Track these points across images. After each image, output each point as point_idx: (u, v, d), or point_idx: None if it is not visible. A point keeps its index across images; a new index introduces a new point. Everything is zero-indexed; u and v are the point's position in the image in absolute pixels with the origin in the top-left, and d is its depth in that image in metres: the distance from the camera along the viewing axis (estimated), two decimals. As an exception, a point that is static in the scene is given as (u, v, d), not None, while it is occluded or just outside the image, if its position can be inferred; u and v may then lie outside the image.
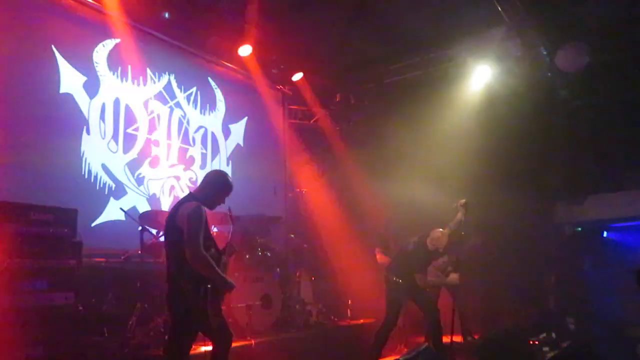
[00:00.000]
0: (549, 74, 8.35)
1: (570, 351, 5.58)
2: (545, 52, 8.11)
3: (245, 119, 8.39)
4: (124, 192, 6.45)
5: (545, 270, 8.43)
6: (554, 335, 5.73)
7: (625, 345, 7.60)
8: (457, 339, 5.62)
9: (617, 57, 7.58)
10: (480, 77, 8.40)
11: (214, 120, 7.92)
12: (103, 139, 6.31)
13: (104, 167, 6.27)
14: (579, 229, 8.80)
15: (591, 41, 7.38)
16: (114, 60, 6.52)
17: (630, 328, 7.62)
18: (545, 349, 5.41)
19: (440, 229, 5.53)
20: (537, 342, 5.48)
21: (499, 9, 7.34)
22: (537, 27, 7.76)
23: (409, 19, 7.81)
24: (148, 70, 6.95)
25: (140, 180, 6.67)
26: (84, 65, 6.18)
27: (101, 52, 6.41)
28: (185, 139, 7.40)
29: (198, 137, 7.64)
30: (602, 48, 7.34)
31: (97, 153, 6.21)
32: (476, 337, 6.65)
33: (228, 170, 7.82)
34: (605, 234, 9.19)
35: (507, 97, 8.35)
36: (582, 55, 7.31)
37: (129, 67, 6.71)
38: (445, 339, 5.42)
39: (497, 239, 7.95)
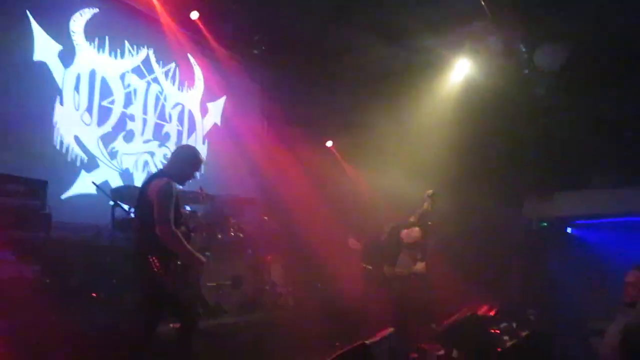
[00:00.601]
0: (527, 71, 8.50)
1: (528, 341, 5.79)
2: (524, 50, 8.24)
3: (224, 98, 8.31)
4: (96, 166, 6.35)
5: (510, 263, 8.67)
6: (514, 325, 5.90)
7: (581, 338, 7.93)
8: (423, 325, 5.76)
9: (592, 59, 7.75)
10: (459, 71, 8.49)
11: (191, 98, 7.82)
12: (77, 110, 6.18)
13: (77, 139, 6.15)
14: (545, 224, 9.06)
15: (569, 42, 7.53)
16: (91, 31, 6.36)
17: (587, 321, 7.94)
18: (505, 337, 5.57)
19: (418, 227, 5.63)
20: (497, 331, 5.63)
21: (482, 3, 7.40)
22: (518, 24, 7.86)
23: (392, 9, 7.82)
24: (126, 43, 6.81)
25: (113, 154, 6.57)
26: (60, 33, 6.02)
27: (78, 21, 6.24)
28: (162, 115, 7.30)
29: (175, 113, 7.54)
30: (579, 49, 7.49)
31: (70, 124, 6.07)
32: (440, 324, 6.81)
33: (204, 150, 7.77)
34: (569, 230, 9.50)
35: (484, 92, 8.47)
36: (560, 55, 7.45)
37: (107, 38, 6.56)
38: (411, 325, 5.55)
39: (465, 230, 8.12)
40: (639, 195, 7.88)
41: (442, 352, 4.78)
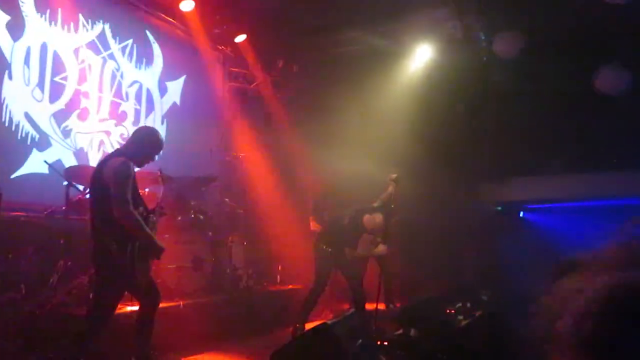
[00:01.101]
0: (485, 58, 8.69)
1: (481, 320, 6.00)
2: (483, 37, 8.41)
3: (184, 77, 8.10)
4: (49, 144, 6.09)
5: (465, 245, 8.93)
6: (468, 305, 6.10)
7: (530, 317, 8.28)
8: (381, 306, 5.88)
9: (549, 47, 7.99)
10: (421, 56, 8.59)
11: (150, 76, 7.59)
12: (27, 85, 5.89)
13: (27, 116, 5.87)
14: (499, 208, 9.36)
15: (527, 30, 7.73)
16: (43, 2, 6.04)
17: (534, 301, 8.29)
18: (460, 317, 5.75)
19: (380, 214, 5.70)
20: (453, 311, 5.81)
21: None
22: (477, 12, 8.01)
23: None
24: (80, 17, 6.51)
25: (67, 133, 6.32)
26: (8, 3, 5.67)
27: (28, -9, 5.92)
28: (118, 93, 7.05)
29: (132, 92, 7.30)
30: (537, 37, 7.70)
31: (20, 100, 5.78)
32: (398, 305, 6.98)
33: (163, 129, 7.57)
34: (521, 214, 9.86)
35: (444, 78, 8.62)
36: (517, 43, 7.65)
37: (59, 10, 6.25)
38: (370, 306, 5.65)
39: (423, 213, 8.29)
40: (589, 181, 8.24)
41: (400, 331, 4.89)
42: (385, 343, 4.58)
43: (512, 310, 7.68)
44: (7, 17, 5.67)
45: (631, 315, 0.79)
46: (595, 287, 0.85)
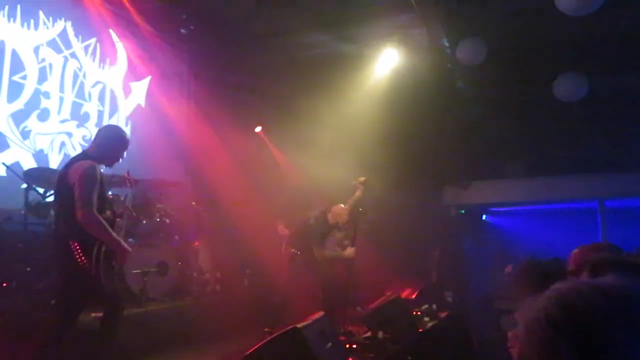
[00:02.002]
0: (449, 65, 8.88)
1: (447, 321, 6.13)
2: (447, 44, 8.59)
3: (149, 78, 7.95)
4: (6, 146, 5.86)
5: (430, 248, 9.09)
6: (434, 306, 6.21)
7: (492, 316, 8.50)
8: (349, 308, 5.91)
9: (509, 55, 8.24)
10: (386, 62, 8.69)
11: (113, 76, 7.41)
12: (-17, 84, 5.67)
13: (-17, 116, 5.65)
14: (462, 211, 9.58)
15: (489, 38, 7.94)
16: (0, -2, 5.83)
17: (497, 301, 8.53)
18: (426, 319, 5.86)
19: (342, 205, 5.74)
20: (419, 313, 5.91)
21: (410, -4, 7.62)
22: (442, 19, 8.18)
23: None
24: (41, 13, 6.31)
25: (26, 134, 6.10)
26: (-37, -1, 5.47)
27: (-15, -14, 5.71)
28: (81, 93, 6.86)
29: (95, 92, 7.12)
30: (498, 45, 7.92)
31: (-24, 100, 5.57)
32: (366, 307, 7.03)
33: (127, 131, 7.37)
34: (484, 217, 10.12)
35: (409, 83, 8.75)
36: (480, 50, 7.84)
37: (19, 6, 6.04)
38: (338, 309, 5.68)
39: (389, 216, 8.40)
40: (548, 184, 8.54)
41: (368, 333, 4.94)
42: (354, 346, 4.61)
43: (475, 311, 7.90)
44: (-38, 13, 5.44)
45: (570, 322, 0.85)
46: (544, 297, 0.90)
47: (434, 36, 8.54)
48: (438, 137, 9.19)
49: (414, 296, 6.85)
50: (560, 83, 7.51)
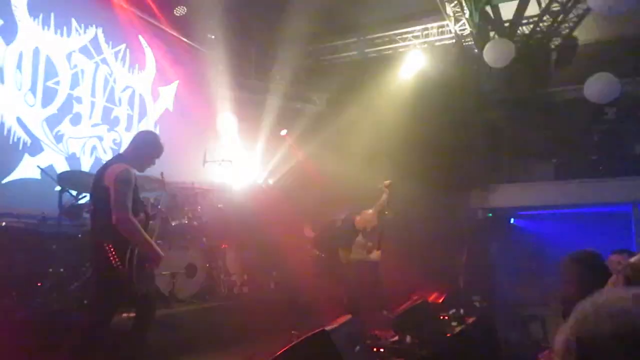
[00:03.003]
0: (476, 67, 8.79)
1: (474, 326, 6.04)
2: (474, 46, 8.51)
3: (177, 82, 8.08)
4: (41, 149, 6.03)
5: (457, 252, 8.97)
6: (462, 311, 6.13)
7: (521, 322, 8.36)
8: (376, 312, 5.88)
9: (537, 57, 8.12)
10: (413, 64, 8.65)
11: (142, 81, 7.56)
12: (19, 90, 5.83)
13: (19, 120, 5.81)
14: (490, 214, 9.43)
15: (516, 40, 7.84)
16: (36, 6, 6.00)
17: (526, 307, 8.38)
18: (454, 323, 5.79)
19: (370, 211, 5.72)
20: (446, 317, 5.84)
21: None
22: (469, 21, 8.11)
23: (350, 1, 7.88)
24: (73, 21, 6.48)
25: (59, 138, 6.26)
26: (1, 7, 5.63)
27: (21, -5, 5.88)
28: (111, 98, 7.01)
29: (125, 97, 7.26)
30: (525, 48, 7.82)
31: (12, 105, 5.73)
32: (392, 311, 6.98)
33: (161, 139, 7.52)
34: (512, 220, 9.94)
35: (435, 85, 8.69)
36: (508, 52, 7.74)
37: (52, 14, 6.21)
38: (364, 312, 5.65)
39: (415, 219, 8.33)
40: (577, 187, 8.34)
41: (395, 337, 4.90)
42: (382, 350, 4.58)
43: (503, 317, 7.77)
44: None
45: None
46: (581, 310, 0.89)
47: (460, 38, 8.47)
48: (465, 139, 9.09)
49: (440, 300, 6.78)
50: (592, 84, 7.35)
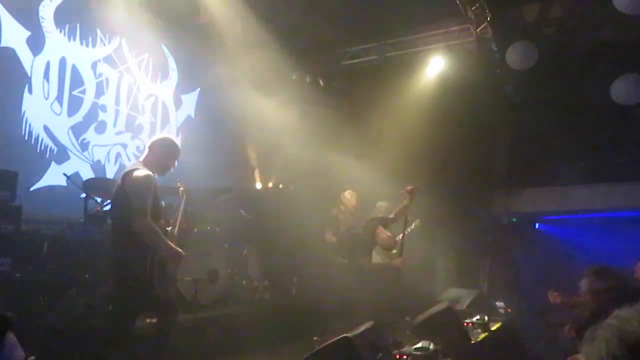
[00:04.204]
0: (498, 70, 8.67)
1: (499, 333, 5.93)
2: (496, 49, 8.40)
3: (198, 90, 8.18)
4: (67, 157, 6.16)
5: (480, 256, 8.86)
6: (486, 318, 6.03)
7: (547, 329, 8.17)
8: (399, 318, 5.83)
9: (560, 61, 7.98)
10: (433, 67, 8.59)
11: (165, 89, 7.67)
12: (46, 99, 5.98)
13: (46, 129, 5.95)
14: (514, 219, 9.29)
15: (539, 43, 7.72)
16: (62, 17, 6.16)
17: (553, 313, 8.19)
18: (477, 330, 5.70)
19: (388, 233, 5.70)
20: (470, 324, 5.75)
21: (457, 2, 7.52)
22: (490, 23, 8.02)
23: (369, 5, 7.86)
24: (98, 31, 6.62)
25: (84, 146, 6.39)
26: (29, 19, 5.81)
27: (48, 7, 6.04)
28: (135, 106, 7.14)
29: (148, 105, 7.38)
30: (548, 51, 7.69)
31: (40, 114, 5.88)
32: (415, 317, 6.90)
33: (177, 142, 7.61)
34: (537, 225, 9.77)
35: (457, 89, 8.61)
36: (531, 55, 7.63)
37: (78, 25, 6.36)
38: (387, 318, 5.60)
39: (437, 225, 8.25)
40: (604, 192, 8.17)
41: (419, 344, 4.83)
42: (405, 357, 4.52)
43: (529, 324, 7.61)
44: (27, 33, 5.78)
45: None
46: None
47: (481, 41, 8.38)
48: (488, 143, 8.98)
49: (464, 308, 6.69)
50: (619, 85, 7.19)
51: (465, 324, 5.65)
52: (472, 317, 6.06)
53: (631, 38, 7.51)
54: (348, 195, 6.87)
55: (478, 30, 8.13)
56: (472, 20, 8.06)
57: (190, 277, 5.34)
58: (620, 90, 7.19)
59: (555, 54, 7.95)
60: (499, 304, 7.54)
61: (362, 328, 3.84)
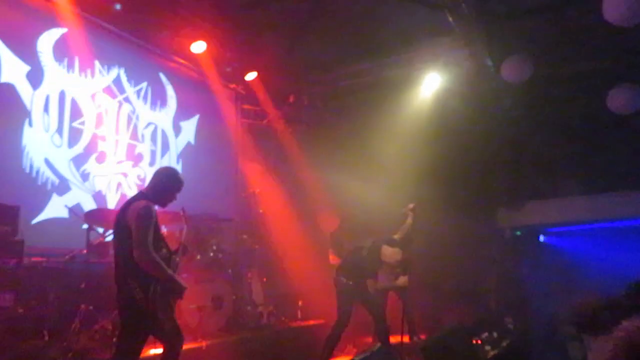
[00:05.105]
0: (494, 84, 8.72)
1: (509, 350, 5.87)
2: (491, 63, 8.46)
3: (197, 116, 8.23)
4: (68, 188, 6.17)
5: (486, 272, 8.79)
6: (495, 334, 5.97)
7: (558, 344, 8.06)
8: (405, 339, 5.76)
9: (556, 72, 8.02)
10: (430, 84, 8.64)
11: (164, 117, 7.72)
12: (47, 132, 6.02)
13: (47, 161, 5.98)
14: (518, 232, 9.24)
15: (535, 55, 7.77)
16: (60, 51, 6.23)
17: (562, 327, 8.08)
18: (487, 347, 5.64)
19: (397, 249, 5.68)
20: (479, 342, 5.69)
21: (450, 19, 7.60)
22: (484, 38, 8.09)
23: (363, 25, 7.95)
24: (96, 63, 6.69)
25: (85, 176, 6.41)
26: (28, 54, 5.87)
27: (46, 42, 6.11)
28: (134, 135, 7.18)
29: (147, 133, 7.42)
30: (544, 62, 7.74)
31: (40, 147, 5.91)
32: (422, 337, 6.83)
33: (178, 169, 7.62)
34: (541, 238, 9.72)
35: (454, 105, 8.66)
36: (526, 68, 7.68)
37: (76, 58, 6.43)
38: (394, 340, 5.54)
39: (442, 241, 8.21)
40: (606, 201, 8.14)
41: (427, 365, 4.78)
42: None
43: (539, 338, 7.52)
44: (27, 67, 5.84)
45: None
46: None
47: (476, 56, 8.45)
48: (488, 157, 8.98)
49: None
50: (614, 95, 7.22)
51: (474, 342, 5.59)
52: (481, 334, 6.00)
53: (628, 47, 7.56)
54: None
55: (471, 45, 8.20)
56: (465, 35, 8.13)
57: (194, 305, 5.31)
58: (616, 100, 7.22)
59: (551, 66, 7.99)
60: (508, 319, 7.47)
61: (370, 350, 3.81)
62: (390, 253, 5.68)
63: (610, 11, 5.66)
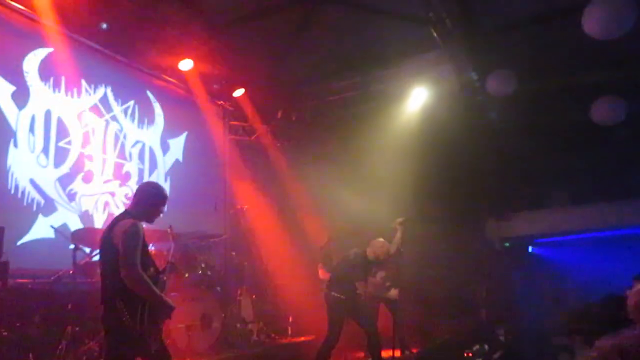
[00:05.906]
0: (480, 98, 8.83)
1: (501, 362, 5.86)
2: (475, 77, 8.58)
3: (185, 134, 8.23)
4: (54, 209, 6.11)
5: (476, 284, 8.80)
6: (486, 346, 5.96)
7: (549, 354, 8.07)
8: (397, 352, 5.74)
9: (542, 84, 8.14)
10: (416, 99, 8.73)
11: (152, 135, 7.71)
12: (32, 152, 5.98)
13: (33, 182, 5.93)
14: (507, 244, 9.29)
15: (519, 68, 7.89)
16: (46, 70, 6.22)
17: (553, 337, 8.10)
18: (479, 360, 5.62)
19: (381, 239, 5.64)
20: (470, 354, 5.68)
21: (434, 34, 7.70)
22: (468, 53, 8.20)
23: (349, 40, 8.04)
24: (83, 82, 6.68)
25: (72, 196, 6.36)
26: (13, 74, 5.85)
27: (32, 61, 6.10)
28: (122, 153, 7.15)
29: (135, 152, 7.40)
30: (529, 75, 7.85)
31: (25, 167, 5.86)
32: (414, 351, 6.80)
33: (167, 186, 7.61)
34: (530, 249, 9.77)
35: (441, 118, 8.74)
36: (511, 82, 7.78)
37: (63, 78, 6.42)
38: (385, 354, 5.51)
39: (432, 253, 8.23)
40: (594, 211, 8.22)
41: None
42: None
43: (530, 349, 7.52)
44: (12, 88, 5.82)
45: None
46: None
47: (461, 70, 8.55)
48: (476, 170, 9.05)
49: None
50: (597, 107, 7.33)
51: (466, 355, 5.58)
52: (472, 346, 5.98)
53: (612, 58, 7.69)
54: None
55: (456, 60, 8.30)
56: (449, 50, 8.24)
57: (182, 324, 5.25)
58: (598, 111, 7.33)
59: (534, 79, 8.11)
60: (499, 331, 7.46)
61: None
62: (372, 247, 5.59)
63: (589, 25, 5.77)
